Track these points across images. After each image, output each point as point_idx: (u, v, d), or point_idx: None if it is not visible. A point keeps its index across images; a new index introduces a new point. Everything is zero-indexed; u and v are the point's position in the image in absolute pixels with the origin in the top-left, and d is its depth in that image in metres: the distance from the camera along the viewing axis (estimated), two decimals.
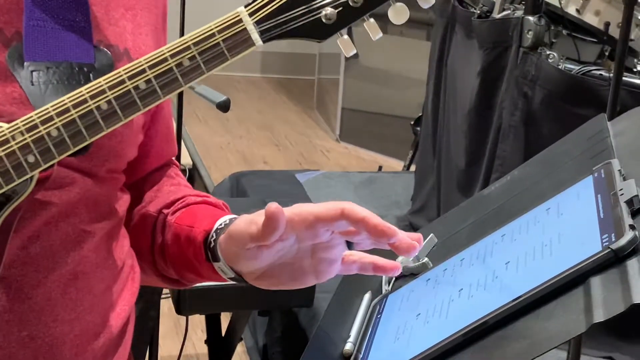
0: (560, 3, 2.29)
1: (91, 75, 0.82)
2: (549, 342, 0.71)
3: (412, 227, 2.77)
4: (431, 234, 1.06)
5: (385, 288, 1.01)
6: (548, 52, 2.24)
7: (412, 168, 3.25)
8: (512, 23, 2.31)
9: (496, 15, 2.44)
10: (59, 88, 0.80)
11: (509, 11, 2.42)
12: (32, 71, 0.81)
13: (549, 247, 0.83)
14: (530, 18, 2.25)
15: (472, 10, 2.53)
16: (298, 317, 2.33)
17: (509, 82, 2.31)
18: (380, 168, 3.75)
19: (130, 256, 0.99)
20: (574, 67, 2.21)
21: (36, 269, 0.86)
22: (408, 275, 1.02)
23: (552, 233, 0.85)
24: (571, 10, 2.34)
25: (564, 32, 2.35)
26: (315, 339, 0.95)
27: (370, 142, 4.50)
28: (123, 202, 0.96)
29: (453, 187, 2.59)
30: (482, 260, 0.91)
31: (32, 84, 0.80)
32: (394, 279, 1.03)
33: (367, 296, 1.00)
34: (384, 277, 1.04)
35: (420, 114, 3.18)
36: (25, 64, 0.81)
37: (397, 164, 3.99)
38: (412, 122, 3.36)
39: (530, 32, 2.25)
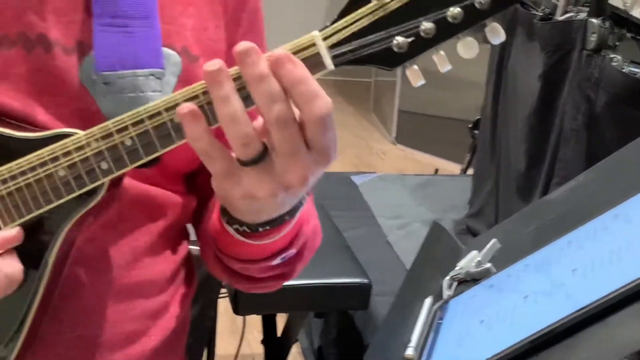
0: (624, 5, 2.25)
1: (161, 81, 0.83)
2: (618, 352, 0.69)
3: (469, 231, 2.75)
4: (494, 239, 1.05)
5: (446, 293, 1.00)
6: (612, 55, 2.19)
7: (469, 171, 3.22)
8: (575, 25, 2.27)
9: (559, 17, 2.40)
10: (130, 100, 0.82)
11: (572, 13, 2.37)
12: (103, 83, 0.82)
13: (618, 255, 0.81)
14: (594, 20, 2.21)
15: (534, 12, 2.49)
16: (354, 319, 2.32)
17: (571, 85, 2.28)
18: (436, 171, 3.73)
19: (187, 259, 1.00)
20: (638, 71, 2.17)
21: (89, 270, 0.87)
22: (470, 280, 1.01)
23: (621, 240, 0.84)
24: (636, 12, 2.29)
25: (628, 35, 2.30)
26: (376, 343, 0.95)
27: (427, 144, 4.47)
28: (178, 205, 0.96)
29: (512, 191, 2.56)
30: (547, 267, 0.89)
31: (105, 96, 0.81)
32: (455, 284, 1.02)
33: (428, 301, 0.99)
34: (445, 282, 1.03)
35: (478, 117, 3.15)
36: (97, 75, 0.82)
37: (454, 167, 3.96)
38: (469, 125, 3.32)
39: (594, 35, 2.20)
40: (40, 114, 0.84)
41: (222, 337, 2.37)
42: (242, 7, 0.95)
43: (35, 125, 0.83)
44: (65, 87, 0.84)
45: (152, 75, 0.83)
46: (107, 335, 0.90)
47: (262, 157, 0.73)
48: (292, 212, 0.83)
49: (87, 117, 0.83)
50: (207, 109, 0.74)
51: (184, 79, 0.86)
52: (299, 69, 0.72)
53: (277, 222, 0.83)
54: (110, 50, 0.83)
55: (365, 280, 2.07)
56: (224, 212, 0.85)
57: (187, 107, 0.72)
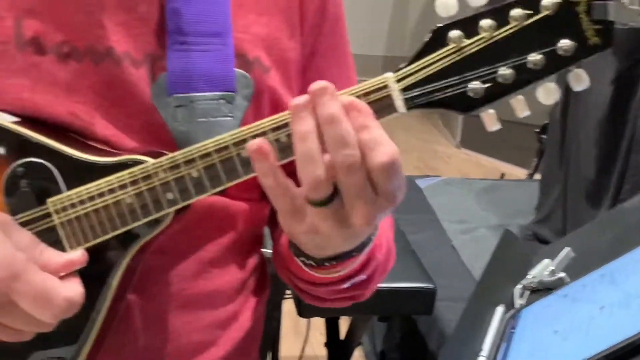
0: None
1: (232, 105, 0.83)
2: None
3: (536, 237, 2.71)
4: (568, 248, 1.03)
5: (518, 302, 0.99)
6: None
7: (536, 176, 3.17)
8: None
9: (632, 23, 2.35)
10: (201, 124, 0.82)
11: None
12: (175, 106, 0.82)
13: None
14: None
15: None
16: (417, 324, 2.31)
17: None
18: (502, 175, 3.69)
19: (260, 266, 0.99)
20: None
21: (155, 281, 0.88)
22: (542, 289, 0.99)
23: None
24: None
25: None
26: (447, 352, 0.94)
27: (492, 149, 4.42)
28: (249, 214, 0.95)
29: (581, 198, 2.52)
30: (625, 278, 0.87)
31: (176, 120, 0.82)
32: (527, 292, 1.00)
33: (499, 309, 0.98)
34: (516, 291, 1.01)
35: (546, 122, 3.10)
36: (169, 98, 0.82)
37: (520, 172, 3.91)
38: (537, 130, 3.28)
39: None
40: (107, 127, 0.84)
41: (285, 339, 2.38)
42: (322, 16, 0.93)
43: (98, 139, 0.83)
44: (134, 100, 0.84)
45: (223, 99, 0.83)
46: (174, 346, 0.90)
47: (331, 199, 0.72)
48: (359, 248, 0.81)
49: (154, 131, 0.84)
50: (276, 146, 0.73)
51: (256, 90, 0.86)
52: (363, 117, 0.70)
53: (343, 258, 0.81)
54: (182, 71, 0.83)
55: (430, 285, 2.05)
56: (291, 243, 0.84)
57: (256, 143, 0.71)
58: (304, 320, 2.27)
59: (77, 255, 0.77)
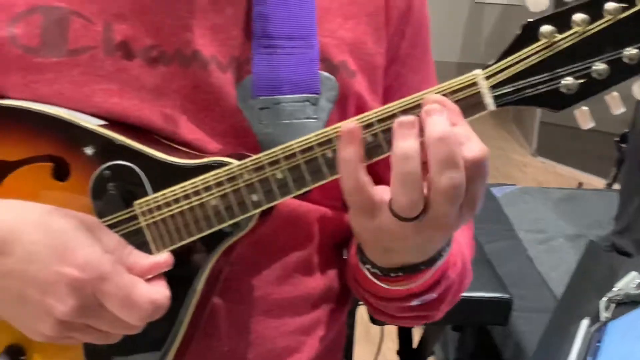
0: None
1: (316, 107, 0.83)
2: None
3: (615, 249, 2.65)
4: None
5: (604, 315, 0.97)
6: None
7: (615, 186, 3.10)
8: None
9: None
10: (285, 125, 0.82)
11: None
12: (260, 108, 0.82)
13: None
14: None
15: None
16: (491, 335, 2.28)
17: None
18: (580, 185, 3.62)
19: (341, 277, 0.98)
20: None
21: (239, 287, 0.88)
22: (629, 302, 0.97)
23: None
24: None
25: None
26: None
27: (569, 157, 4.35)
28: (333, 221, 0.94)
29: None
30: None
31: (261, 122, 0.82)
32: (613, 305, 0.98)
33: (584, 322, 0.95)
34: (602, 304, 0.99)
35: (626, 130, 3.03)
36: (254, 100, 0.82)
37: (598, 182, 3.83)
38: (616, 139, 3.21)
39: None
40: (192, 130, 0.84)
41: (357, 345, 2.37)
42: (407, 19, 0.92)
43: (183, 142, 0.84)
44: (220, 103, 0.84)
45: (308, 101, 0.83)
46: (258, 351, 0.90)
47: (419, 217, 0.71)
48: (428, 262, 0.80)
49: (239, 133, 0.84)
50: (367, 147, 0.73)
51: (341, 95, 0.85)
52: (452, 115, 0.70)
53: (410, 270, 0.80)
54: (268, 74, 0.83)
55: (506, 295, 2.02)
56: (359, 249, 0.83)
57: (350, 126, 0.72)
58: (376, 328, 2.26)
59: (164, 257, 0.78)
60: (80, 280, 0.71)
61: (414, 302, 0.88)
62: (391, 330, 2.51)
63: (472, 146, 0.69)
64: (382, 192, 0.73)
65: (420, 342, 2.21)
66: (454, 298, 0.94)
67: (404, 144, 0.69)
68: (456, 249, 0.90)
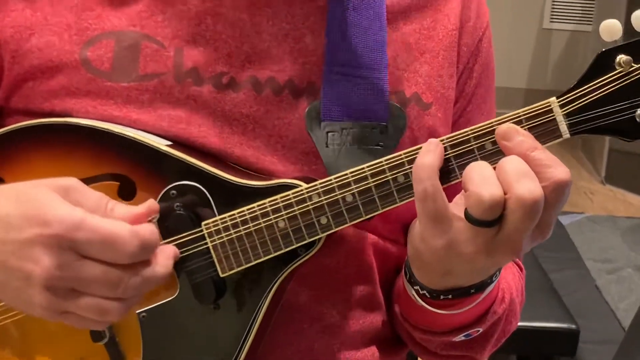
0: None
1: (385, 135, 0.82)
2: None
3: None
4: None
5: None
6: None
7: None
8: None
9: None
10: (352, 151, 0.82)
11: None
12: (327, 132, 0.82)
13: None
14: None
15: None
16: None
17: None
18: None
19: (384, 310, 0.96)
20: None
21: (302, 317, 0.87)
22: None
23: None
24: None
25: None
26: None
27: (639, 186, 4.25)
28: (395, 257, 0.92)
29: None
30: None
31: (327, 146, 0.82)
32: None
33: None
34: None
35: None
36: (322, 124, 0.83)
37: None
38: None
39: None
40: (260, 154, 0.84)
41: None
42: (475, 58, 0.92)
43: (250, 165, 0.84)
44: (290, 128, 0.84)
45: (375, 128, 0.83)
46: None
47: (497, 222, 0.70)
48: (479, 286, 0.79)
49: (305, 156, 0.84)
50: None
51: (415, 127, 0.86)
52: (531, 140, 0.71)
53: (460, 293, 0.79)
54: (336, 99, 0.83)
55: (573, 326, 1.99)
56: (407, 269, 0.82)
57: (433, 140, 0.73)
58: None
59: (147, 205, 0.76)
60: (52, 236, 0.68)
61: (460, 337, 0.86)
62: None
63: (559, 168, 0.70)
64: (454, 207, 0.73)
65: None
66: (500, 337, 0.92)
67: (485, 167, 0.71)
68: (505, 285, 0.89)
